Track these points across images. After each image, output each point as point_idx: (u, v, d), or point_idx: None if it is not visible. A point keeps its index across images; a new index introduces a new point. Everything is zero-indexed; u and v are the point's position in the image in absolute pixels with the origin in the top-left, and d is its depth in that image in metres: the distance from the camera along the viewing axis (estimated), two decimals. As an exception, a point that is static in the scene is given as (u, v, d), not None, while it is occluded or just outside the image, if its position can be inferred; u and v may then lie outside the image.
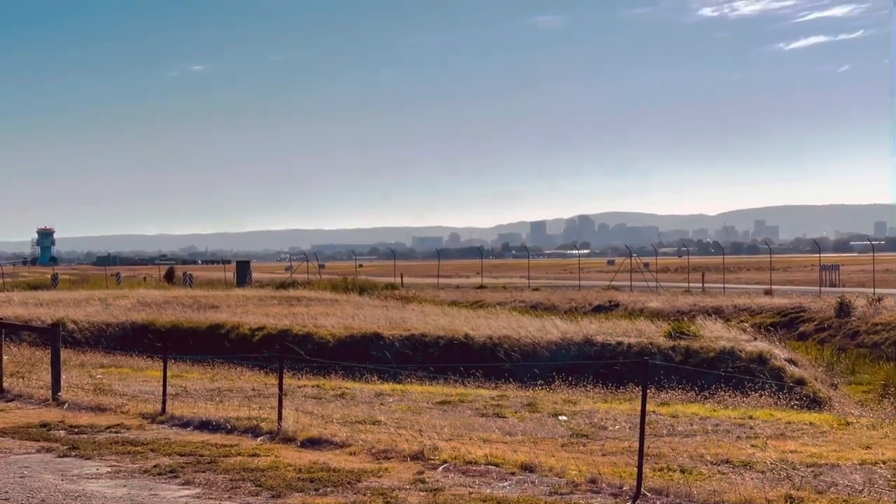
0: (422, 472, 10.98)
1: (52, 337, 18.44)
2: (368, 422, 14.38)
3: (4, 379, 18.94)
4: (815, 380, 25.77)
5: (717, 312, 38.79)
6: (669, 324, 30.59)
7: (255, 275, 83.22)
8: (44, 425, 14.62)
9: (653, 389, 19.66)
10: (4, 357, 19.79)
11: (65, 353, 20.90)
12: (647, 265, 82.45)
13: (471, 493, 10.09)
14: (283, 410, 13.95)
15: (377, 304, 43.86)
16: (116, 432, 14.03)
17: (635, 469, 10.20)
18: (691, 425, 14.65)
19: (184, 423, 14.64)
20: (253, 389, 19.15)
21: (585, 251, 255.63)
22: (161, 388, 16.13)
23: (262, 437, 13.35)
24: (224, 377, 22.42)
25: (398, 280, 71.52)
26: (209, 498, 10.14)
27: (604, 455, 12.15)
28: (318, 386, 20.21)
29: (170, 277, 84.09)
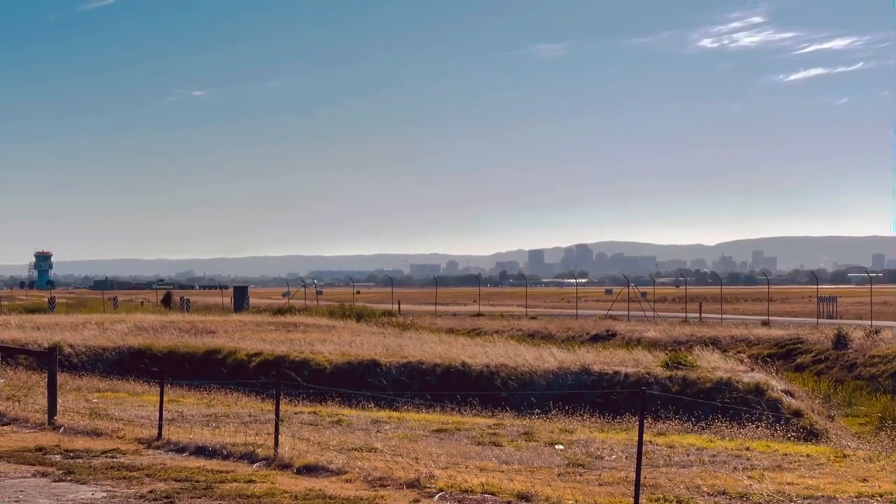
0: (418, 501, 10.96)
1: (49, 361, 18.43)
2: (365, 449, 14.35)
3: (0, 402, 18.91)
4: (813, 411, 25.76)
5: (714, 343, 38.82)
6: (667, 354, 30.61)
7: (252, 300, 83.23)
8: (39, 449, 14.59)
9: (649, 419, 19.64)
10: (1, 380, 19.77)
11: (61, 377, 20.86)
12: (644, 295, 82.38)
13: (467, 521, 10.07)
14: (280, 437, 13.93)
15: (374, 330, 43.82)
16: (112, 457, 14.00)
17: (632, 499, 10.19)
18: (688, 456, 14.64)
19: (180, 449, 14.62)
20: (249, 415, 19.12)
21: (583, 280, 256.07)
22: (157, 413, 16.11)
23: (258, 464, 13.32)
24: (220, 402, 22.38)
25: (396, 307, 71.54)
26: (204, 524, 10.10)
27: (600, 485, 12.12)
28: (314, 412, 20.18)
29: (167, 302, 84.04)
